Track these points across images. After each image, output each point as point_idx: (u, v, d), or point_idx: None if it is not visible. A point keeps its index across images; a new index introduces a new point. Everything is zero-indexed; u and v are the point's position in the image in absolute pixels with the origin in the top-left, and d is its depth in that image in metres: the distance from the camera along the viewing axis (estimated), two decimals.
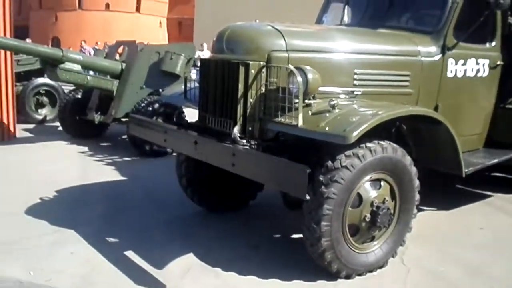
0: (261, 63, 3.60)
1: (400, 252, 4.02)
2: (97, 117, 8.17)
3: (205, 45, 18.28)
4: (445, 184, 5.92)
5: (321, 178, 3.35)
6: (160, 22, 53.64)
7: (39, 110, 10.44)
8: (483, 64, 4.84)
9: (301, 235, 4.41)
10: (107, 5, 47.55)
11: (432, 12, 4.59)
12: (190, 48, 8.29)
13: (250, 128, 3.65)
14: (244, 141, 3.57)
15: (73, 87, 9.09)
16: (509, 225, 4.98)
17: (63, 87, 10.49)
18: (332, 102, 3.40)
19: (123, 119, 8.18)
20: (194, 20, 31.45)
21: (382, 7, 4.76)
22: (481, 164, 4.67)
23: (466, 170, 4.32)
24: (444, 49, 4.45)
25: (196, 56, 8.41)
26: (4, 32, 8.11)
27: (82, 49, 20.15)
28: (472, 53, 4.71)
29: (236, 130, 3.55)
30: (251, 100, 3.62)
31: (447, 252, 4.24)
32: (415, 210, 3.95)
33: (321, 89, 3.61)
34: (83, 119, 8.44)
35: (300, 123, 3.35)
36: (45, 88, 10.39)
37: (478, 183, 5.93)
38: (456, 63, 4.59)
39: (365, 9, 4.87)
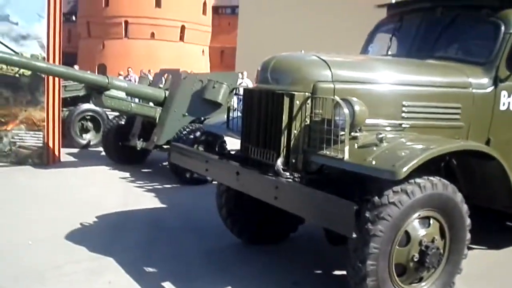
0: (306, 94, 3.52)
1: None
2: (139, 144, 8.25)
3: (245, 73, 17.97)
4: (495, 221, 5.63)
5: (367, 214, 3.20)
6: (203, 51, 54.88)
7: (84, 135, 10.67)
8: None
9: (343, 272, 4.29)
10: (152, 34, 49.09)
11: (484, 43, 4.42)
12: (233, 77, 8.34)
13: (293, 160, 3.56)
14: (288, 173, 3.47)
15: (117, 114, 9.27)
16: None
17: (107, 113, 10.73)
18: (380, 136, 3.28)
19: (165, 146, 8.25)
20: (236, 49, 31.89)
21: (431, 37, 4.62)
22: None
23: None
24: (496, 81, 4.26)
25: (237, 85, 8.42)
26: (53, 59, 8.39)
27: (129, 75, 20.72)
28: None
29: (279, 162, 3.46)
30: (295, 131, 3.53)
31: None
32: (465, 251, 3.73)
33: (367, 121, 3.49)
34: (126, 145, 8.55)
35: (346, 156, 3.23)
36: (90, 113, 10.64)
37: None
38: (509, 96, 4.38)
39: (413, 40, 4.74)
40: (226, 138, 7.57)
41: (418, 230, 3.42)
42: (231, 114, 4.44)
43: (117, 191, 7.04)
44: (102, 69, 42.08)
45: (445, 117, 4.03)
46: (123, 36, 48.64)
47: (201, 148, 7.09)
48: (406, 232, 3.37)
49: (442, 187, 3.43)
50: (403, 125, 3.77)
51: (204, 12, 54.73)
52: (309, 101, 3.53)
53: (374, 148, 3.27)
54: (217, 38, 56.11)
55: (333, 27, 22.50)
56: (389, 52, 5.08)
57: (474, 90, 4.17)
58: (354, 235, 2.99)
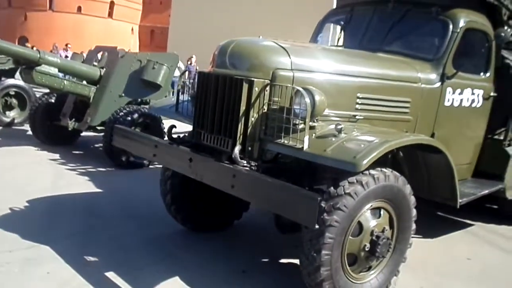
0: (266, 81, 3.44)
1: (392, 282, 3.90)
2: (71, 124, 7.79)
3: (193, 57, 17.75)
4: (426, 211, 5.89)
5: (323, 204, 3.19)
6: (132, 29, 53.08)
7: (7, 113, 9.94)
8: (478, 95, 4.83)
9: (289, 260, 4.31)
10: (79, 8, 46.78)
11: (432, 40, 4.56)
12: (173, 58, 8.07)
13: (249, 148, 3.46)
14: (244, 161, 3.38)
15: (45, 91, 8.70)
16: (495, 257, 4.96)
17: (34, 89, 10.06)
18: (339, 127, 3.27)
19: (98, 127, 7.88)
20: (169, 29, 31.10)
21: (382, 31, 4.69)
22: (473, 195, 4.64)
23: (460, 201, 4.26)
24: (443, 78, 4.42)
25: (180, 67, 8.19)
26: None
27: (54, 51, 19.52)
28: (468, 83, 4.70)
29: (237, 149, 3.35)
30: (252, 119, 3.43)
31: (439, 284, 4.16)
32: (411, 240, 3.85)
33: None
34: (56, 124, 8.05)
35: (306, 146, 3.19)
36: (15, 89, 9.89)
37: (456, 211, 5.93)
38: (454, 92, 4.56)
39: (363, 32, 4.78)
40: (164, 121, 7.38)
41: (369, 220, 3.47)
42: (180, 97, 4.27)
43: (47, 174, 6.62)
44: (23, 43, 39.46)
45: (395, 110, 4.12)
46: (48, 8, 45.90)
47: (138, 130, 6.82)
48: (359, 223, 3.40)
49: (394, 179, 3.49)
50: (356, 117, 3.80)
51: None
52: (267, 88, 3.45)
53: (333, 139, 3.26)
54: (148, 17, 54.49)
55: (270, 10, 22.47)
56: (339, 43, 5.10)
57: (423, 85, 4.28)
58: (317, 226, 2.96)
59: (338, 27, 5.38)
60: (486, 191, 4.83)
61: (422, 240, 5.13)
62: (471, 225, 5.86)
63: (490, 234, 5.61)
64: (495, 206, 6.13)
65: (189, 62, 17.37)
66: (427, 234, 5.22)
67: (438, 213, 6.11)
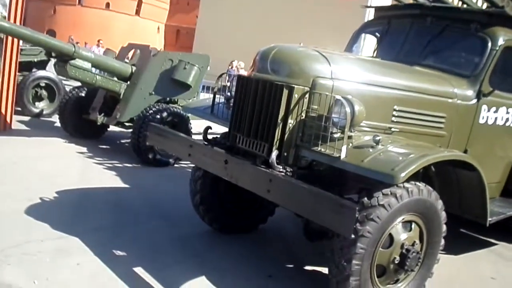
0: (306, 88, 3.47)
1: None
2: (100, 118, 7.91)
3: (241, 63, 17.35)
4: (451, 227, 5.86)
5: (356, 215, 3.20)
6: (158, 28, 53.62)
7: (37, 103, 10.11)
8: None
9: (315, 267, 4.32)
10: (108, 4, 47.41)
11: (470, 57, 4.54)
12: (205, 60, 8.14)
13: (285, 154, 3.50)
14: (280, 167, 3.41)
15: (75, 84, 8.85)
16: None
17: (64, 82, 10.23)
18: (377, 138, 3.28)
19: (127, 123, 7.99)
20: (196, 30, 31.34)
21: (419, 45, 4.69)
22: (503, 214, 4.60)
23: (490, 219, 4.24)
24: (479, 95, 4.40)
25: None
26: (14, 19, 7.87)
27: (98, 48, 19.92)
28: (503, 101, 4.67)
29: (274, 155, 3.39)
30: (290, 125, 3.47)
31: None
32: (438, 256, 3.84)
33: None
34: (85, 118, 8.18)
35: (343, 155, 3.21)
36: (45, 81, 10.06)
37: (479, 229, 5.88)
38: (489, 110, 4.54)
39: (401, 45, 4.79)
40: (192, 121, 7.45)
41: (400, 233, 3.48)
42: (216, 100, 4.32)
43: (76, 166, 6.74)
44: (51, 36, 40.20)
45: (430, 125, 4.11)
46: (77, 3, 46.62)
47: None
48: (390, 235, 3.41)
49: (427, 193, 3.49)
50: (392, 129, 3.81)
51: None
52: (307, 95, 3.48)
53: (370, 150, 3.27)
54: (174, 17, 54.97)
55: (296, 17, 22.49)
56: (375, 54, 5.11)
57: (458, 101, 4.27)
58: (353, 236, 2.98)
59: (372, 38, 5.39)
60: None
61: (446, 256, 5.09)
62: (494, 244, 5.80)
63: None
64: None
65: (230, 67, 17.36)
66: (452, 251, 5.17)
67: (461, 230, 6.06)
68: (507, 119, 4.77)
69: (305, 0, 22.33)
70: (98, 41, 21.57)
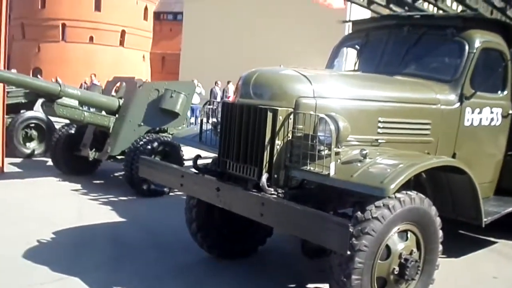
0: (289, 109, 3.52)
1: None
2: (91, 154, 7.92)
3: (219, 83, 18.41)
4: (449, 230, 5.87)
5: (351, 229, 3.23)
6: (144, 57, 53.90)
7: (27, 144, 10.11)
8: (497, 113, 4.87)
9: (316, 285, 4.32)
10: (91, 38, 47.69)
11: (449, 61, 4.63)
12: (190, 86, 8.21)
13: (275, 176, 3.53)
14: (272, 189, 3.44)
15: (64, 121, 8.87)
16: None
17: (53, 121, 10.24)
18: (364, 152, 3.33)
19: (119, 156, 7.99)
20: (181, 56, 31.55)
21: (398, 54, 4.77)
22: (498, 213, 4.64)
23: (485, 220, 4.27)
24: (462, 98, 4.47)
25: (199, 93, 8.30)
26: None
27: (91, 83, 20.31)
28: (486, 102, 4.74)
29: (264, 178, 3.42)
30: (277, 147, 3.51)
31: None
32: (438, 261, 3.86)
33: None
34: (76, 155, 8.18)
35: (332, 172, 3.25)
36: (34, 121, 10.10)
37: (479, 228, 5.89)
38: (473, 112, 4.60)
39: (380, 56, 4.87)
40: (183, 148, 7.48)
41: (397, 243, 3.50)
42: (204, 127, 4.36)
43: (71, 205, 6.72)
44: (37, 73, 40.34)
45: (416, 133, 4.17)
46: (60, 40, 46.88)
47: (157, 159, 6.92)
48: (387, 246, 3.43)
49: (419, 201, 3.53)
50: (379, 141, 3.86)
51: (145, 18, 53.91)
52: (291, 116, 3.53)
53: (358, 164, 3.31)
54: (159, 44, 55.31)
55: (280, 36, 22.74)
56: (356, 67, 5.18)
57: (442, 107, 4.33)
58: (349, 252, 3.00)
59: (353, 51, 5.47)
60: (510, 209, 4.82)
61: (447, 260, 5.09)
62: (494, 242, 5.82)
63: None
64: None
65: (215, 84, 18.34)
66: (452, 253, 5.19)
67: (460, 232, 6.07)
68: (492, 119, 4.84)
69: (286, 18, 22.62)
70: (90, 76, 22.06)
